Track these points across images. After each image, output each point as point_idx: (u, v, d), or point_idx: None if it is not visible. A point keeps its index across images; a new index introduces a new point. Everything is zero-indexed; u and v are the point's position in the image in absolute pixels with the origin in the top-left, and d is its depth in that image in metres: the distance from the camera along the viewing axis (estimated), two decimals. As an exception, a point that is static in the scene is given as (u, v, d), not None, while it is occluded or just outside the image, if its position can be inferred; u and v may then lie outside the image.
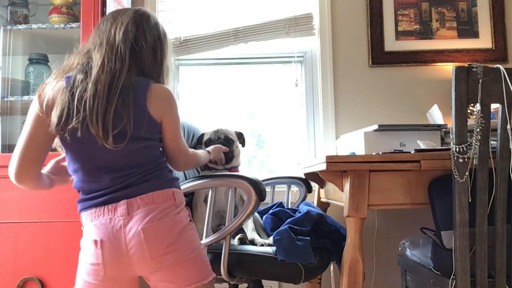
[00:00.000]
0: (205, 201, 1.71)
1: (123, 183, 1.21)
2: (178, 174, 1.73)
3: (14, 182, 1.24)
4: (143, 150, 1.24)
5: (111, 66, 1.22)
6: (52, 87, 1.23)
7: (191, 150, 1.49)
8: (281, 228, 1.54)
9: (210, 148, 1.74)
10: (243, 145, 1.93)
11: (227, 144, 1.82)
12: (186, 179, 1.78)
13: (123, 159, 1.22)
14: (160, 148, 1.32)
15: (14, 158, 1.22)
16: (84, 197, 1.24)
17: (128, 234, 1.17)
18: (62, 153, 1.31)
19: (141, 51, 1.28)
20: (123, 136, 1.19)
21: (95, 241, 1.18)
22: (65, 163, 1.32)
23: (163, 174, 1.28)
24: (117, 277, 1.19)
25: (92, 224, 1.20)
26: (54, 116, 1.19)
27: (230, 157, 1.82)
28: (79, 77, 1.21)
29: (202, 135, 1.89)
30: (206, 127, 1.93)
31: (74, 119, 1.17)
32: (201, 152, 1.65)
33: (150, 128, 1.25)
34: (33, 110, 1.23)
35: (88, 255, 1.20)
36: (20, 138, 1.23)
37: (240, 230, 1.59)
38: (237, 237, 1.58)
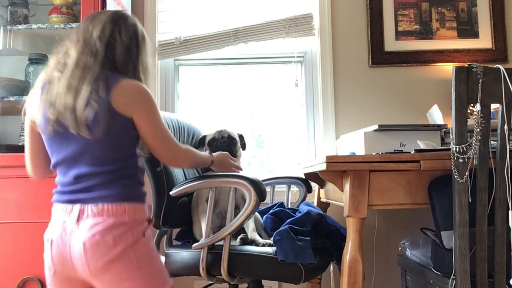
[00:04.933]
0: (207, 201, 1.70)
1: (83, 184, 1.25)
2: (179, 174, 1.73)
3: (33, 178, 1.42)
4: (108, 148, 1.25)
5: (85, 60, 1.27)
6: (31, 97, 1.33)
7: (185, 146, 1.47)
8: (281, 228, 1.54)
9: (215, 154, 1.65)
10: (244, 148, 1.92)
11: (231, 143, 1.82)
12: (186, 179, 1.78)
13: (86, 155, 1.25)
14: (131, 152, 1.31)
15: (27, 163, 1.40)
16: (56, 190, 1.31)
17: (72, 241, 1.21)
18: None
19: (116, 47, 1.32)
20: (92, 126, 1.22)
21: (48, 240, 1.26)
22: None
23: (126, 185, 1.26)
24: (66, 275, 1.26)
25: (53, 221, 1.28)
26: (38, 120, 1.29)
27: (233, 156, 1.81)
28: (55, 74, 1.28)
29: (204, 136, 1.88)
30: (206, 127, 1.92)
31: (52, 115, 1.24)
32: (202, 153, 1.59)
33: (114, 123, 1.24)
34: (26, 122, 1.36)
35: (45, 249, 1.28)
36: (25, 146, 1.39)
37: (241, 230, 1.59)
38: (239, 237, 1.58)
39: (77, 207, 1.23)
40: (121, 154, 1.28)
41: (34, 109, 1.30)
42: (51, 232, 1.26)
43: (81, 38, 1.32)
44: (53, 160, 1.31)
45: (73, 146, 1.25)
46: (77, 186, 1.25)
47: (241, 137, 1.92)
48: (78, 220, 1.22)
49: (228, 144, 1.80)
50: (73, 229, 1.22)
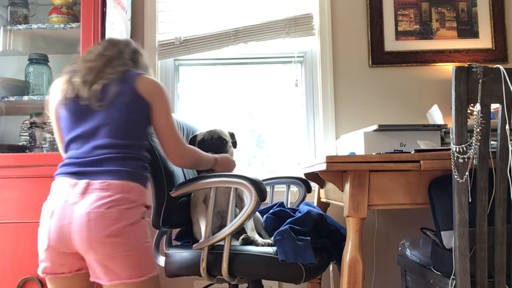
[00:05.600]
0: (204, 201, 1.70)
1: (97, 156, 1.32)
2: (179, 174, 1.73)
3: None
4: (126, 123, 1.37)
5: (110, 54, 1.44)
6: (54, 87, 1.47)
7: (191, 146, 1.58)
8: (282, 228, 1.53)
9: (219, 156, 1.71)
10: (235, 146, 1.91)
11: (221, 144, 1.81)
12: (186, 179, 1.78)
13: (106, 127, 1.34)
14: (143, 135, 1.43)
15: (60, 147, 1.51)
16: (63, 163, 1.37)
17: (75, 212, 1.26)
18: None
19: (138, 60, 1.53)
20: (108, 97, 1.36)
21: (48, 211, 1.31)
22: None
23: (135, 165, 1.36)
24: (59, 249, 1.29)
25: (54, 193, 1.33)
26: (61, 101, 1.40)
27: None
28: (80, 63, 1.44)
29: (195, 136, 1.86)
30: (205, 127, 1.92)
31: (75, 93, 1.38)
32: (206, 153, 1.65)
33: (135, 103, 1.38)
34: (51, 111, 1.48)
35: (42, 222, 1.33)
36: (55, 134, 1.52)
37: (241, 230, 1.59)
38: (241, 238, 1.58)
39: (82, 181, 1.29)
40: (136, 133, 1.40)
41: (57, 95, 1.43)
42: (52, 203, 1.31)
43: (106, 42, 1.52)
44: (70, 136, 1.38)
45: (94, 120, 1.36)
46: (90, 158, 1.32)
47: (232, 135, 1.90)
48: (83, 193, 1.27)
49: (217, 145, 1.80)
50: (77, 201, 1.27)
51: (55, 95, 1.45)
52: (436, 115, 2.04)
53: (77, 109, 1.38)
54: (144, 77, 1.43)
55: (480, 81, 1.27)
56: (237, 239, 1.59)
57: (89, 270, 1.32)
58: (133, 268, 1.27)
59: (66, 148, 1.41)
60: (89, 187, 1.28)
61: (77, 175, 1.31)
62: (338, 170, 1.44)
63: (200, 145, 1.80)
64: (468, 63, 1.29)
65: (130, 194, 1.30)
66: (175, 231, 1.84)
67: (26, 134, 2.14)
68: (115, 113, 1.36)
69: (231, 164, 1.76)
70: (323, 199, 2.05)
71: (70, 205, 1.27)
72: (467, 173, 1.28)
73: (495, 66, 1.30)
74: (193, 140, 1.86)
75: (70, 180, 1.31)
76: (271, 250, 1.49)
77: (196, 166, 1.68)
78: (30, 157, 1.94)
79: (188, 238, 1.75)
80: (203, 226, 1.57)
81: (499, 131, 1.31)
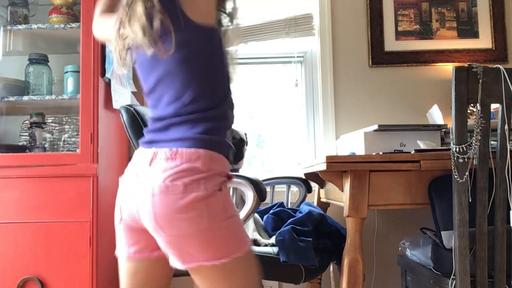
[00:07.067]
0: None
1: (163, 123, 1.11)
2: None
3: None
4: (188, 73, 1.10)
5: None
6: None
7: None
8: (283, 228, 1.54)
9: None
10: (247, 145, 1.94)
11: (241, 145, 1.85)
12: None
13: (167, 81, 1.11)
14: (219, 79, 1.16)
15: None
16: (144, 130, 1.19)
17: (141, 187, 1.09)
18: None
19: None
20: (165, 41, 1.06)
21: (121, 185, 1.15)
22: None
23: (204, 130, 1.10)
24: (131, 225, 1.13)
25: (130, 164, 1.15)
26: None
27: (241, 157, 1.84)
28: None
29: None
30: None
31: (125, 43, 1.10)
32: None
33: (193, 36, 1.10)
34: None
35: (118, 195, 1.17)
36: None
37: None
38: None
39: (151, 150, 1.09)
40: (201, 82, 1.11)
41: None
42: (125, 176, 1.14)
43: None
44: (145, 92, 1.18)
45: (156, 72, 1.11)
46: (158, 124, 1.12)
47: (245, 135, 1.95)
48: (150, 164, 1.09)
49: (238, 147, 1.83)
50: (143, 174, 1.09)
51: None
52: (436, 115, 2.04)
53: (143, 59, 1.13)
54: None
55: (480, 81, 1.27)
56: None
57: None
58: (210, 249, 1.05)
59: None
60: (155, 156, 1.08)
61: (147, 144, 1.12)
62: (338, 170, 1.45)
63: None
64: (468, 63, 1.29)
65: (197, 162, 1.06)
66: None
67: (26, 134, 2.14)
68: (174, 60, 1.08)
69: None
70: (323, 199, 2.05)
71: (138, 179, 1.09)
72: (467, 173, 1.28)
73: (495, 66, 1.30)
74: None
75: (142, 149, 1.13)
76: (271, 250, 1.49)
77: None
78: (30, 157, 1.94)
79: (188, 238, 1.75)
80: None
81: (499, 131, 1.31)
